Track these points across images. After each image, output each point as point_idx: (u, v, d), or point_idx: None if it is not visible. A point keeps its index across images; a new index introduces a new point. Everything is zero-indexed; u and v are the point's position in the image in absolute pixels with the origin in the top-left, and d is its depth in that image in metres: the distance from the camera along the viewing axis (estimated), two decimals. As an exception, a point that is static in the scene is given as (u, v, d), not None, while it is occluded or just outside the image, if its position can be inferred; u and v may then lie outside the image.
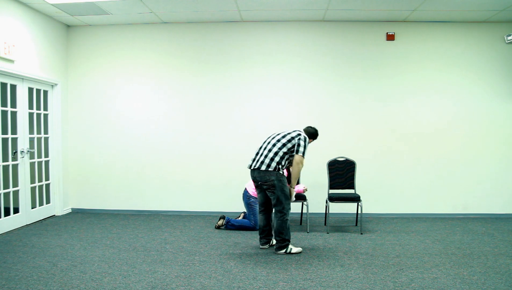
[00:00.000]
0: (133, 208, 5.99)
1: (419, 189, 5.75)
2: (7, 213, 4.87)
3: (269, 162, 3.91)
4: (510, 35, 5.51)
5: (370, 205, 5.60)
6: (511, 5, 5.00)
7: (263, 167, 3.91)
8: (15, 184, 5.03)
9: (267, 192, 4.00)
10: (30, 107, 5.28)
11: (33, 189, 5.32)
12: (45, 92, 5.61)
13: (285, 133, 4.08)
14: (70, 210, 6.05)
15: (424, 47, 5.71)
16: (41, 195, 5.51)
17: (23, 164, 5.12)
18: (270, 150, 3.97)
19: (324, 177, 5.13)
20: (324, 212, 5.20)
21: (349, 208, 5.50)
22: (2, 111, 4.84)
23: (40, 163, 5.50)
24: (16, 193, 5.03)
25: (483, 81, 5.69)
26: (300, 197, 4.86)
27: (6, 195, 4.88)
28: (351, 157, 5.13)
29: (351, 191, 5.07)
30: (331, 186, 5.05)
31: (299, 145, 3.95)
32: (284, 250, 3.97)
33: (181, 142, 5.91)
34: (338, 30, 5.77)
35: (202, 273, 3.44)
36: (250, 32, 5.83)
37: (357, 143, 5.75)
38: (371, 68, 5.74)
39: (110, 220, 5.50)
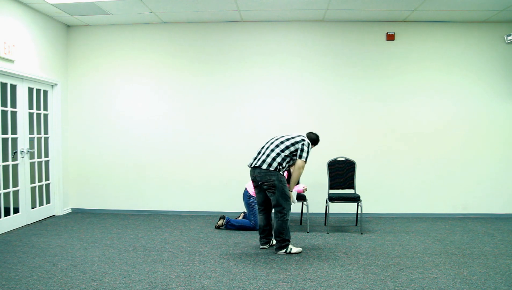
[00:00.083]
0: (133, 208, 5.99)
1: (419, 189, 5.76)
2: (7, 213, 4.87)
3: (270, 161, 3.92)
4: (510, 35, 5.51)
5: (370, 205, 5.60)
6: (511, 5, 5.00)
7: (264, 166, 3.91)
8: (15, 184, 5.03)
9: (267, 193, 4.00)
10: (30, 107, 5.28)
11: (33, 189, 5.32)
12: (45, 92, 5.61)
13: (289, 136, 4.10)
14: (70, 210, 6.05)
15: (424, 47, 5.71)
16: (41, 195, 5.51)
17: (23, 164, 5.12)
18: (272, 150, 3.99)
19: (324, 177, 5.14)
20: (324, 212, 5.20)
21: (349, 208, 5.50)
22: (2, 111, 4.84)
23: (40, 163, 5.50)
24: (16, 193, 5.03)
25: (483, 81, 5.69)
26: (300, 197, 4.87)
27: (6, 195, 4.88)
28: (351, 157, 5.13)
29: (351, 191, 5.07)
30: (331, 186, 5.06)
31: (302, 150, 3.99)
32: (284, 250, 3.97)
33: (181, 142, 5.91)
34: (338, 30, 5.77)
35: (202, 273, 3.44)
36: (250, 32, 5.83)
37: (357, 143, 5.75)
38: (371, 68, 5.74)
39: (110, 220, 5.50)
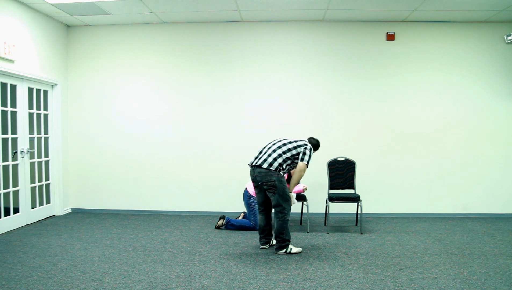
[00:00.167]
0: (133, 208, 5.99)
1: (419, 189, 5.76)
2: (7, 213, 4.87)
3: (272, 161, 3.93)
4: (510, 35, 5.51)
5: (370, 205, 5.60)
6: (511, 5, 5.00)
7: (265, 165, 3.92)
8: (15, 184, 5.03)
9: (267, 193, 4.01)
10: (30, 107, 5.28)
11: (33, 189, 5.32)
12: (45, 92, 5.61)
13: (292, 140, 4.13)
14: (70, 210, 6.05)
15: (424, 47, 5.71)
16: (41, 195, 5.51)
17: (23, 164, 5.12)
18: (274, 151, 4.01)
19: (324, 177, 5.14)
20: (324, 212, 5.20)
21: (349, 208, 5.50)
22: (2, 111, 4.84)
23: (40, 163, 5.50)
24: (16, 193, 5.03)
25: (483, 81, 5.69)
26: (300, 197, 4.87)
27: (6, 195, 4.88)
28: (351, 157, 5.13)
29: (351, 191, 5.07)
30: (331, 186, 5.06)
31: (304, 153, 4.02)
32: (284, 250, 3.98)
33: (181, 142, 5.91)
34: (338, 30, 5.77)
35: (202, 273, 3.44)
36: (250, 32, 5.83)
37: (357, 143, 5.75)
38: (371, 68, 5.74)
39: (110, 220, 5.50)
